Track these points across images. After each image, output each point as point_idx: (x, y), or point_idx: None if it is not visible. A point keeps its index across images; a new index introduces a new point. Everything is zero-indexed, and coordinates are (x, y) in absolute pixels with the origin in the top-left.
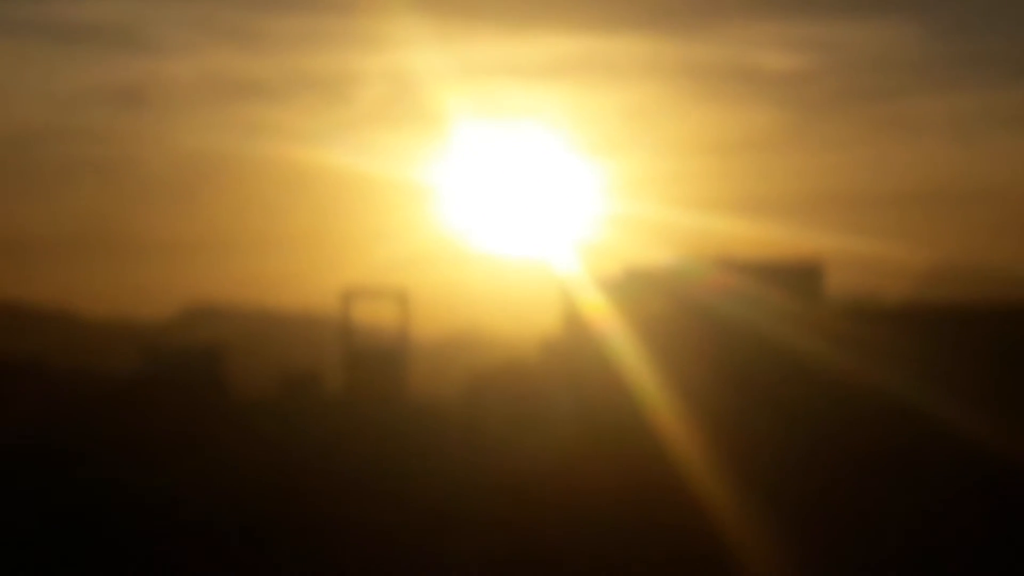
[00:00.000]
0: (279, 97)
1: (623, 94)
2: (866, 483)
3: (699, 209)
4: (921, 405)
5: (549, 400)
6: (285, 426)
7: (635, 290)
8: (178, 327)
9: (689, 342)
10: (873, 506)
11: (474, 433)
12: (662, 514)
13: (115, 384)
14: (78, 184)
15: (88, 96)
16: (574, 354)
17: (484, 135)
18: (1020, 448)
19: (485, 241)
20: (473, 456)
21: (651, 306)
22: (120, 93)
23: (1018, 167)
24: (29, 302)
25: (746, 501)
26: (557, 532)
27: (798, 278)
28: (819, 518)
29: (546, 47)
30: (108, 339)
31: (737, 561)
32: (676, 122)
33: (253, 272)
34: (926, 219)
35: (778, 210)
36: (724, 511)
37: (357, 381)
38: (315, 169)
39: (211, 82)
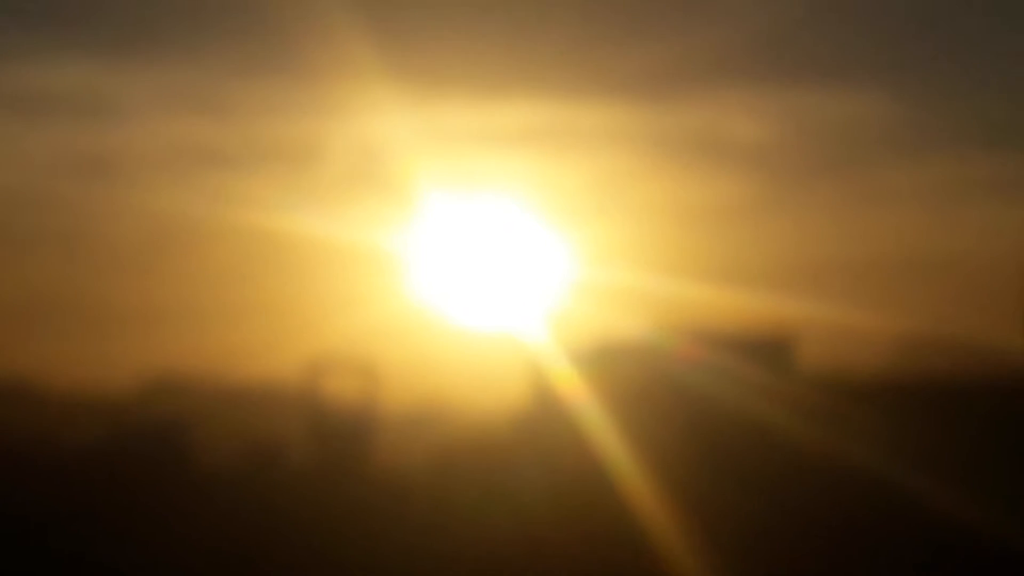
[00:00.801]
0: (245, 165)
1: (592, 162)
2: (841, 560)
3: (670, 278)
4: (895, 481)
5: (519, 473)
6: (250, 499)
7: (606, 363)
8: (142, 399)
9: (662, 416)
10: None
11: (442, 506)
12: None
13: (76, 458)
14: (41, 253)
15: (52, 165)
16: (544, 427)
17: (452, 203)
18: (996, 527)
19: (454, 312)
20: (441, 529)
21: (623, 379)
22: (84, 161)
23: (988, 236)
24: None
25: None
26: None
27: (770, 350)
28: None
29: (514, 115)
30: (70, 411)
31: None
32: (645, 190)
33: (218, 342)
34: (898, 288)
35: (749, 279)
36: None
37: (323, 453)
38: (281, 238)
39: (176, 150)
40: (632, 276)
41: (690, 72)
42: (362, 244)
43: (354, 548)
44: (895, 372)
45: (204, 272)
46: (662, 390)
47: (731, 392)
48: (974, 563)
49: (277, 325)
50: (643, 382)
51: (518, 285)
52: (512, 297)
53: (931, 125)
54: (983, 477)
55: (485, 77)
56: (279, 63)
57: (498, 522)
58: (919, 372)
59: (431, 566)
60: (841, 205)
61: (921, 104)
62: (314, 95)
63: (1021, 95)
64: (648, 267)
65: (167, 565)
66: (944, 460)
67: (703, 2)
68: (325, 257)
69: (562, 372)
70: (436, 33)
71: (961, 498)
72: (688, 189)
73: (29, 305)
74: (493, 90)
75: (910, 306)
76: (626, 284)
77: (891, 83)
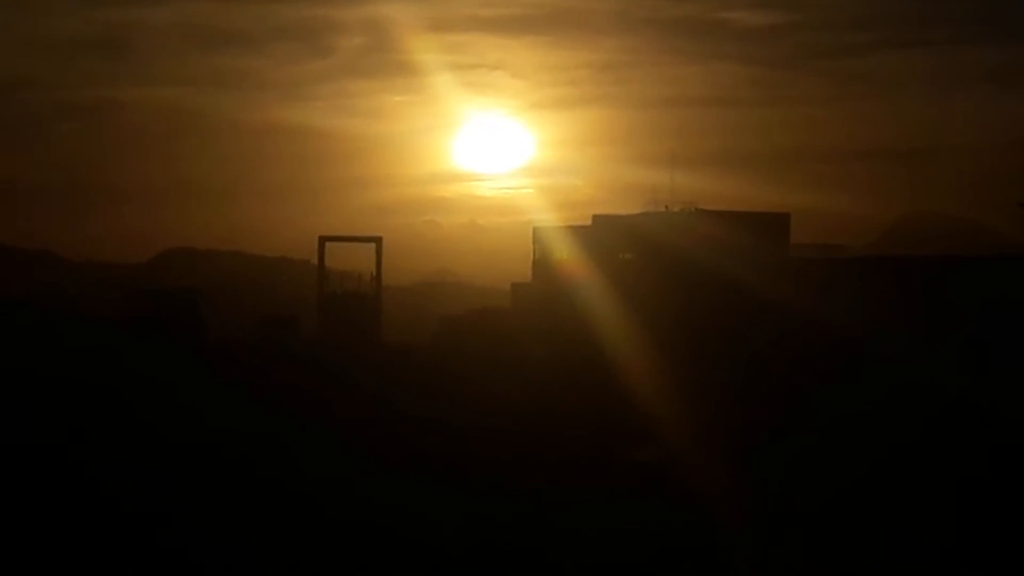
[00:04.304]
0: (258, 46)
1: (594, 47)
2: (822, 416)
3: (667, 163)
4: (878, 347)
5: (519, 342)
6: (262, 366)
7: (603, 237)
8: (157, 270)
9: (654, 286)
10: (828, 441)
11: (446, 374)
12: (626, 449)
13: (98, 323)
14: (60, 130)
15: (69, 44)
16: (544, 298)
17: (457, 86)
18: (967, 388)
19: (457, 189)
20: (445, 395)
21: (618, 252)
22: (101, 41)
23: (982, 123)
24: (14, 244)
25: (711, 439)
26: (527, 467)
27: (766, 227)
28: (777, 453)
29: (518, 1)
30: (90, 280)
31: (696, 492)
32: (645, 76)
33: (231, 219)
34: (891, 174)
35: (745, 165)
36: (689, 448)
37: (333, 324)
38: (292, 119)
39: (192, 31)
40: (630, 160)
41: None
42: (370, 125)
43: (363, 410)
44: (880, 248)
45: (218, 151)
46: (656, 263)
47: (725, 264)
48: (945, 419)
49: (289, 203)
50: (638, 255)
51: (519, 165)
52: (513, 176)
53: (927, 14)
54: (954, 342)
55: None
56: None
57: (498, 384)
58: (903, 249)
59: (437, 425)
60: (837, 92)
61: None
62: None
63: None
64: (646, 152)
65: (180, 424)
66: (917, 325)
67: None
68: (335, 138)
69: (561, 247)
70: None
71: (935, 361)
72: (688, 76)
73: (52, 180)
74: None
75: (902, 190)
76: (624, 168)
77: None
